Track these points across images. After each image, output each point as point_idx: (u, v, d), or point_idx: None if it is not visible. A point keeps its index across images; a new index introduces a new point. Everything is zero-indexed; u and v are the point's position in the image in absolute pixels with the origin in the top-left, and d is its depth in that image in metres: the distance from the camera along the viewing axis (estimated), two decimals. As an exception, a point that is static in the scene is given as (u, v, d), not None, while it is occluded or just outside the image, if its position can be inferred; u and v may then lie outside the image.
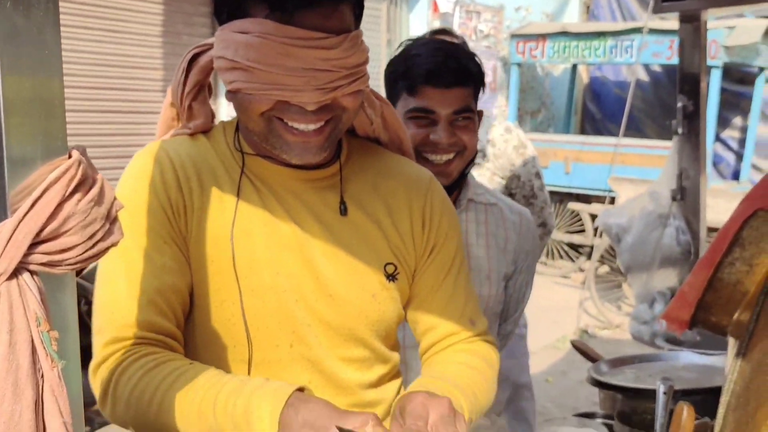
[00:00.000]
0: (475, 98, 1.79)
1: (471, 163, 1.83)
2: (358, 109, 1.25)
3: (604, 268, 7.34)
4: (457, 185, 1.84)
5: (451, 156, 1.75)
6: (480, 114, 1.84)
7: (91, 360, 1.18)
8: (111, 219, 0.82)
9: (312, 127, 1.17)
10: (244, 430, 1.06)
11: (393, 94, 1.79)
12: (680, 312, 1.19)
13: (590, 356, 2.11)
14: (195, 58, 1.29)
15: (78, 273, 0.89)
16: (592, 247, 7.38)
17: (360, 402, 1.33)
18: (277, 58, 1.11)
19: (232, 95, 1.19)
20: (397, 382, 1.42)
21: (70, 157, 0.77)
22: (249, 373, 1.26)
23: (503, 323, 2.01)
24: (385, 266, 1.30)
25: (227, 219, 1.23)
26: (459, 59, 1.74)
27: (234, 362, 1.26)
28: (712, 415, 1.38)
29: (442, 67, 1.70)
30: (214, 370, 1.14)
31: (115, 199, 0.83)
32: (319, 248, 1.26)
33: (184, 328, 1.25)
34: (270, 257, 1.24)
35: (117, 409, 1.15)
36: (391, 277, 1.31)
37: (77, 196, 0.77)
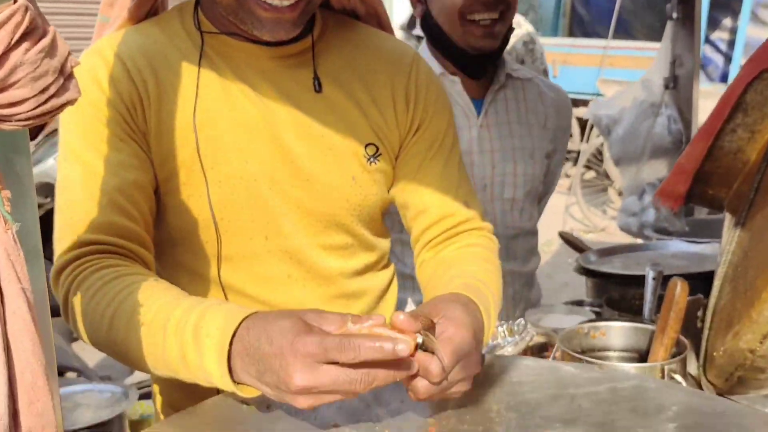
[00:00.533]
0: None
1: (510, 29, 1.80)
2: None
3: (590, 174, 7.32)
4: (498, 55, 1.80)
5: (496, 15, 1.72)
6: None
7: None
8: (66, 74, 0.75)
9: (286, 2, 1.08)
10: (190, 354, 0.92)
11: None
12: (677, 185, 1.14)
13: (578, 247, 2.08)
14: None
15: (33, 136, 0.82)
16: (578, 153, 7.34)
17: (343, 292, 1.28)
18: None
19: None
20: (387, 273, 1.36)
21: (15, 1, 0.70)
22: (219, 271, 1.19)
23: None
24: (365, 147, 1.22)
25: (188, 106, 1.14)
26: None
27: (208, 260, 1.19)
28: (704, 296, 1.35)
29: None
30: (176, 289, 1.02)
31: (69, 54, 0.76)
32: (291, 130, 1.17)
33: (154, 230, 1.18)
34: (237, 144, 1.15)
35: (76, 322, 1.06)
36: (373, 158, 1.22)
37: (25, 44, 0.69)
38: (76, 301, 1.05)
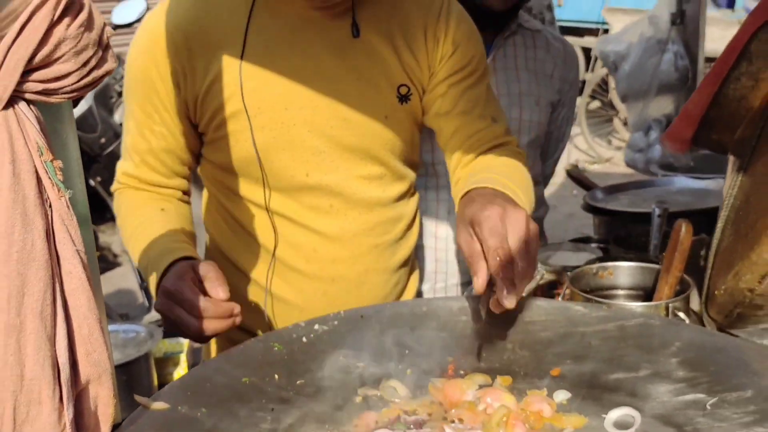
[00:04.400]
0: None
1: None
2: None
3: (595, 104, 7.30)
4: (510, 14, 1.84)
5: None
6: None
7: None
8: (103, 46, 0.79)
9: None
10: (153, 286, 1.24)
11: None
12: (683, 130, 1.18)
13: (585, 184, 2.13)
14: None
15: (74, 104, 0.87)
16: (583, 82, 7.30)
17: (383, 219, 1.40)
18: None
19: None
20: (415, 199, 1.49)
21: (53, -21, 0.73)
22: (267, 201, 1.33)
23: (543, 164, 2.02)
24: (398, 88, 1.32)
25: (234, 65, 1.26)
26: None
27: (256, 192, 1.33)
28: (707, 234, 1.41)
29: None
30: (159, 224, 1.29)
31: (105, 25, 0.80)
32: (331, 74, 1.28)
33: (204, 167, 1.40)
34: (278, 92, 1.27)
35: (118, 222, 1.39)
36: (404, 98, 1.33)
37: (66, 20, 0.73)
38: (117, 208, 1.40)
